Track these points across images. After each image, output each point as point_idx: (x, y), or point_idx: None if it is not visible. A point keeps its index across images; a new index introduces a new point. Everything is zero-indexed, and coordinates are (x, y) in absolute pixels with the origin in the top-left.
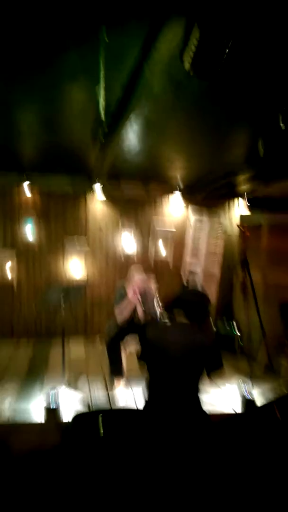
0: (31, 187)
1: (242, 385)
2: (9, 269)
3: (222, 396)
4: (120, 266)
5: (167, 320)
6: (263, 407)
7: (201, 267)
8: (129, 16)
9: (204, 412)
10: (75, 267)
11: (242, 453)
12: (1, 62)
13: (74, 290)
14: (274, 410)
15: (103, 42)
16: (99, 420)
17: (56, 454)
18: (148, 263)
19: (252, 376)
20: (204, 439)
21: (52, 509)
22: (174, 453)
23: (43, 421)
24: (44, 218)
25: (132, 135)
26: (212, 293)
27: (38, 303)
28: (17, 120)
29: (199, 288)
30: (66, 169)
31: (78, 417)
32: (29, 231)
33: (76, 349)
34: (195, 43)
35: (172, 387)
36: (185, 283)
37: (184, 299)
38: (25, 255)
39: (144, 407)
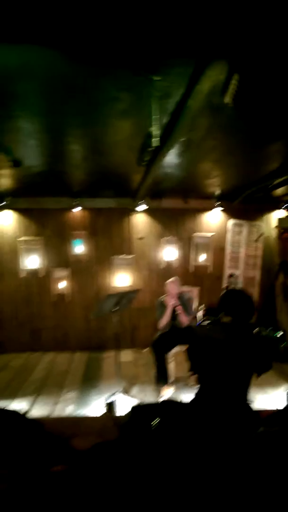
0: (81, 209)
1: None
2: (63, 286)
3: (269, 401)
4: (162, 274)
5: (212, 321)
6: None
7: (241, 271)
8: (177, 60)
9: (250, 407)
10: (122, 278)
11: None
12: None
13: (127, 295)
14: None
15: (153, 82)
16: (155, 410)
17: (115, 444)
18: (188, 269)
19: None
20: (253, 432)
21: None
22: (223, 443)
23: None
24: (93, 236)
25: (172, 156)
26: (253, 296)
27: (95, 311)
28: (69, 151)
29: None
30: (112, 191)
31: (136, 408)
32: (80, 249)
33: (126, 358)
34: (235, 85)
35: (221, 385)
36: (226, 287)
37: (229, 299)
38: (77, 271)
39: (194, 401)
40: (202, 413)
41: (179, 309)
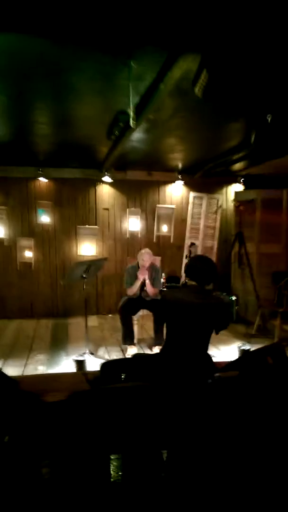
0: (47, 179)
1: (240, 344)
2: (28, 255)
3: (223, 355)
4: (127, 244)
5: (180, 286)
6: (256, 352)
7: (200, 241)
8: (152, 48)
9: (210, 357)
10: (87, 247)
11: (240, 391)
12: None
13: (96, 263)
14: (266, 356)
15: (129, 66)
16: (124, 364)
17: (85, 396)
18: (152, 239)
19: (248, 337)
20: (209, 378)
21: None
22: (184, 389)
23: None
24: (58, 206)
25: (140, 132)
26: None
27: (65, 278)
28: (38, 123)
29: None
30: (79, 162)
31: (105, 364)
32: (45, 219)
33: (92, 323)
34: (205, 79)
35: (187, 339)
36: (187, 256)
37: (194, 265)
38: (42, 240)
39: (161, 353)
40: (169, 362)
41: (149, 282)
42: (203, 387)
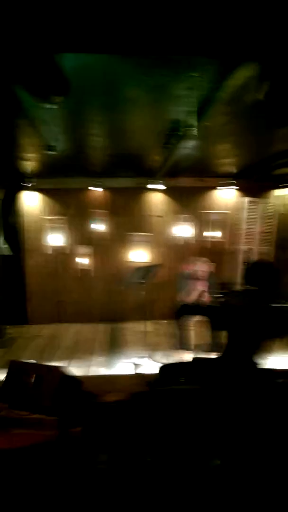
0: (103, 189)
1: None
2: (86, 262)
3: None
4: (179, 250)
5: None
6: None
7: (255, 247)
8: (209, 61)
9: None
10: (140, 254)
11: None
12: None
13: (152, 269)
14: None
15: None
16: (182, 367)
17: (142, 398)
18: (205, 245)
19: None
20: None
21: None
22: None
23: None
24: (113, 215)
25: (194, 140)
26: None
27: (124, 282)
28: (93, 133)
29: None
30: (132, 171)
31: (164, 367)
32: (101, 227)
33: (147, 328)
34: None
35: (248, 344)
36: (244, 262)
37: (256, 270)
38: (99, 248)
39: (222, 356)
40: (230, 366)
41: (205, 290)
42: (264, 394)
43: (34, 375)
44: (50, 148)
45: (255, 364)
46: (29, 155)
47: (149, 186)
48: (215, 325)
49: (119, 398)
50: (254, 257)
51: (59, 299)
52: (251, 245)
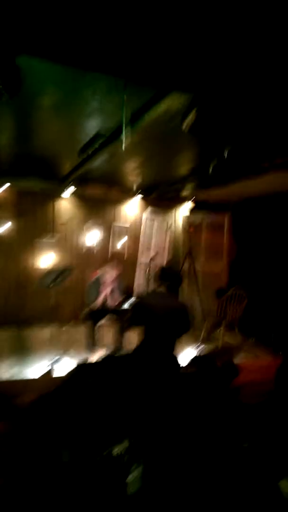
0: (5, 190)
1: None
2: None
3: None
4: (84, 258)
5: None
6: (206, 358)
7: (152, 258)
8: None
9: (176, 357)
10: (44, 260)
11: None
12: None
13: (63, 272)
14: (215, 360)
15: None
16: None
17: (55, 396)
18: (106, 254)
19: (199, 342)
20: (175, 378)
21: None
22: (157, 381)
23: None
24: (16, 218)
25: (108, 153)
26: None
27: (37, 283)
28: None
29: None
30: (40, 174)
31: (78, 367)
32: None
33: (52, 332)
34: (193, 118)
35: (158, 339)
36: (147, 269)
37: (166, 272)
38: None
39: (135, 352)
40: (144, 360)
41: (109, 294)
42: (170, 383)
43: None
44: None
45: (174, 357)
46: None
47: (56, 191)
48: (133, 322)
49: (31, 399)
50: (153, 266)
51: None
52: (148, 256)
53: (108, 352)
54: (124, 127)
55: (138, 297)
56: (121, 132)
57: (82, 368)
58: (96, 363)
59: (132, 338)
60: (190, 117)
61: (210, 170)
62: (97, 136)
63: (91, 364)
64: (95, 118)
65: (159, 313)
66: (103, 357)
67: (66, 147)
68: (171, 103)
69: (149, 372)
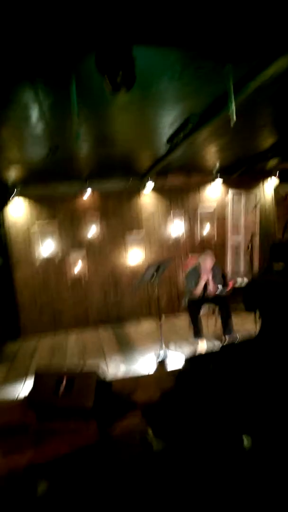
0: (92, 192)
1: None
2: (80, 267)
3: None
4: (172, 247)
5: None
6: None
7: (242, 237)
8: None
9: None
10: (134, 254)
11: None
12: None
13: (163, 264)
14: None
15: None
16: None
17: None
18: (194, 241)
19: None
20: None
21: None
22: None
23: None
24: (104, 217)
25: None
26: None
27: (137, 281)
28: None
29: None
30: (121, 173)
31: (190, 359)
32: (93, 231)
33: (153, 324)
34: None
35: (280, 322)
36: (248, 246)
37: (280, 250)
38: (92, 252)
39: (258, 337)
40: (266, 346)
41: (211, 281)
42: None
43: (65, 380)
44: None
45: None
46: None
47: (138, 186)
48: (224, 312)
49: (148, 396)
50: (241, 246)
51: (53, 307)
52: (238, 235)
53: (214, 341)
54: (232, 98)
55: (253, 278)
56: (216, 111)
57: (196, 360)
58: (211, 354)
59: (240, 325)
60: None
61: None
62: (188, 119)
63: (205, 356)
64: (190, 99)
65: (279, 290)
66: (223, 345)
67: (149, 141)
68: (281, 65)
69: (279, 358)
